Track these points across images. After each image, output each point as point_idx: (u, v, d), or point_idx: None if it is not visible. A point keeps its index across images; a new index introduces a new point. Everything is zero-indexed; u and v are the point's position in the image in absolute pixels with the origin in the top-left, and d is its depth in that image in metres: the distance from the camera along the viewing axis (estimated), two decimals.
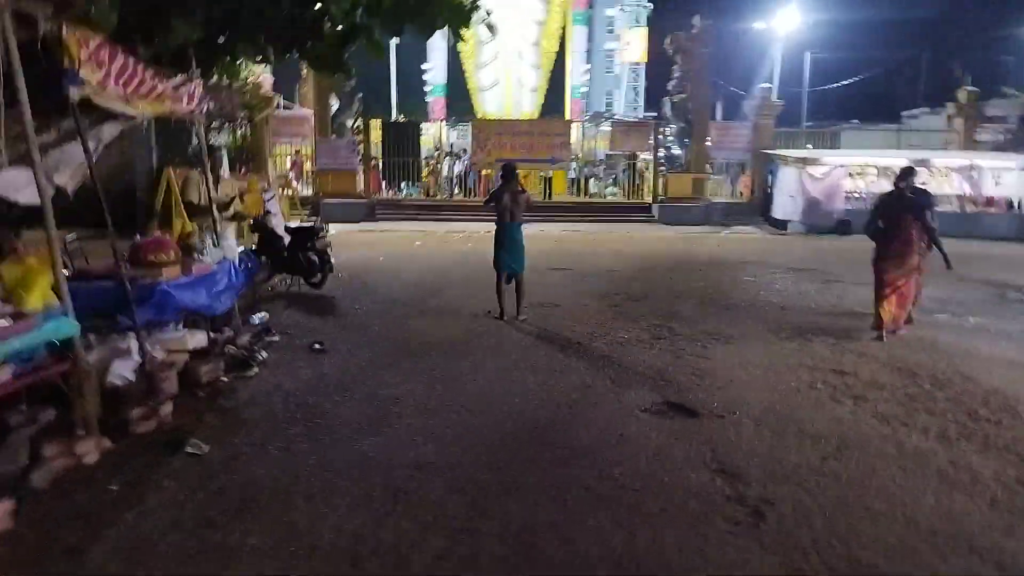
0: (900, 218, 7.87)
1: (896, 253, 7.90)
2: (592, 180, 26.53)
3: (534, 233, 20.28)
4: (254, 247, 10.00)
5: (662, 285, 11.61)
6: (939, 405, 5.90)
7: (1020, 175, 21.28)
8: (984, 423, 5.50)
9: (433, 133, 26.03)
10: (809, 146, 24.41)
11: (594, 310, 9.57)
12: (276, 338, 7.38)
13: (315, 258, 9.78)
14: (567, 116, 35.80)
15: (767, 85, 23.88)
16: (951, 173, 21.92)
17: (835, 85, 29.08)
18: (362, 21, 6.44)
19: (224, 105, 19.33)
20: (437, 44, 38.15)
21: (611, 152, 25.28)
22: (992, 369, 6.94)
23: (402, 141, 22.47)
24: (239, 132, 20.51)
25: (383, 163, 22.76)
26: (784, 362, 7.13)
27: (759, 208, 22.85)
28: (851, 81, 28.84)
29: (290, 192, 20.37)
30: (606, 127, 26.68)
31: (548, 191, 23.63)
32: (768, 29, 27.77)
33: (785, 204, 21.57)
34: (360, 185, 22.17)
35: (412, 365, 6.75)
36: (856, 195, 21.73)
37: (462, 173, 24.36)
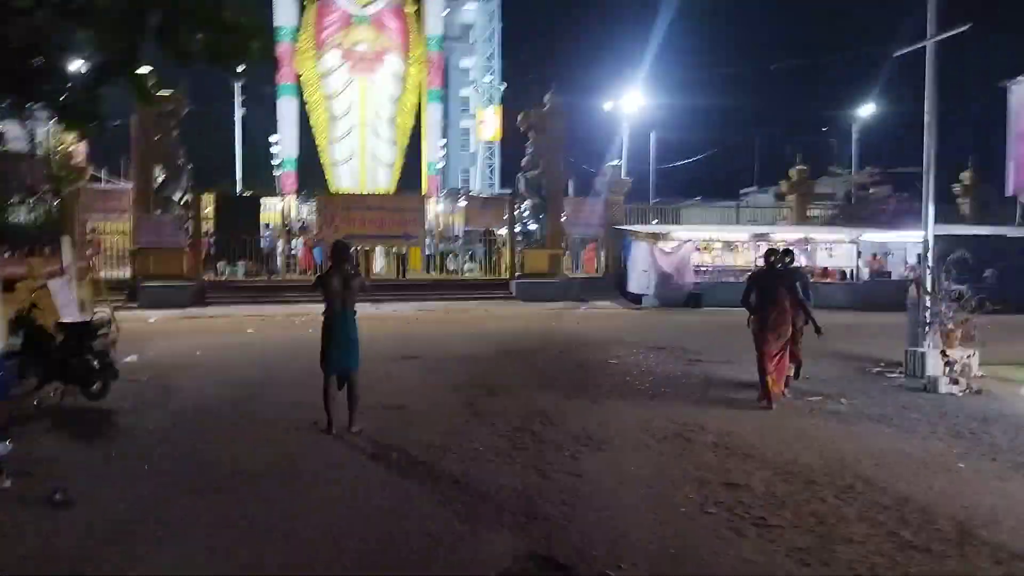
0: (775, 291, 8.21)
1: (773, 324, 8.15)
2: (449, 257, 25.44)
3: (386, 314, 18.82)
4: (15, 349, 7.81)
5: (521, 373, 10.35)
6: (852, 528, 4.85)
7: (850, 247, 22.25)
8: (913, 552, 4.47)
9: (281, 208, 24.07)
10: (656, 221, 24.59)
11: (446, 410, 8.09)
12: (7, 484, 5.32)
13: (94, 361, 7.69)
14: (423, 192, 34.85)
15: (616, 163, 24.01)
16: (790, 246, 22.61)
17: (678, 163, 30.05)
18: (114, 55, 4.80)
19: (25, 176, 16.55)
20: (287, 116, 36.43)
21: (468, 228, 24.35)
22: (890, 468, 6.08)
23: (239, 217, 20.37)
24: (41, 208, 17.76)
25: (216, 241, 20.47)
26: (667, 474, 5.95)
27: (614, 282, 22.52)
28: (692, 160, 29.94)
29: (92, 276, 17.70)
30: (462, 203, 25.83)
31: (402, 269, 22.21)
32: (615, 109, 28.30)
33: (639, 279, 21.33)
34: (187, 265, 19.70)
35: (191, 517, 4.94)
36: (704, 268, 21.91)
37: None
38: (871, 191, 23.93)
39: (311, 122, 37.15)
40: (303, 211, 25.20)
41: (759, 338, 8.23)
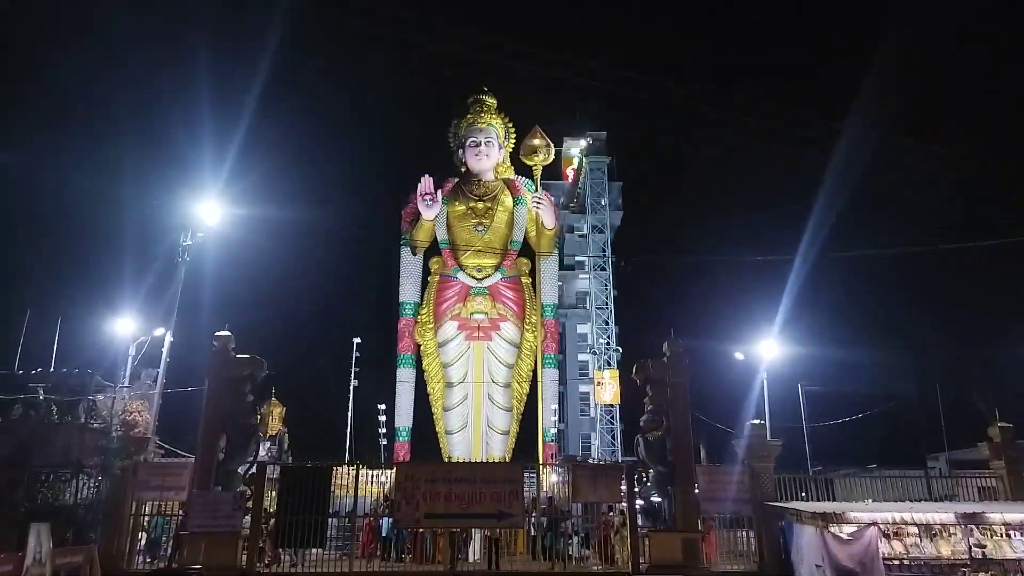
0: None
1: None
2: (560, 539, 20.15)
3: None
4: None
5: None
6: None
7: None
8: None
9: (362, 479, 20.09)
10: (804, 495, 18.50)
11: None
12: None
13: None
14: (540, 460, 30.37)
15: (759, 421, 18.86)
16: (1012, 532, 15.88)
17: (841, 420, 24.27)
18: None
19: (70, 449, 13.62)
20: (405, 385, 34.43)
21: (576, 503, 19.27)
22: None
23: (306, 493, 16.57)
24: (88, 484, 14.78)
25: (277, 522, 16.50)
26: None
27: None
28: (860, 416, 24.09)
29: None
30: (565, 474, 20.99)
31: (494, 558, 17.17)
32: (751, 357, 23.74)
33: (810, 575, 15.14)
34: (242, 555, 15.68)
35: None
36: (897, 562, 15.44)
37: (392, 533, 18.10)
38: None
39: (428, 390, 35.01)
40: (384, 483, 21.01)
41: None
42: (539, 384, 35.54)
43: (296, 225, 37.83)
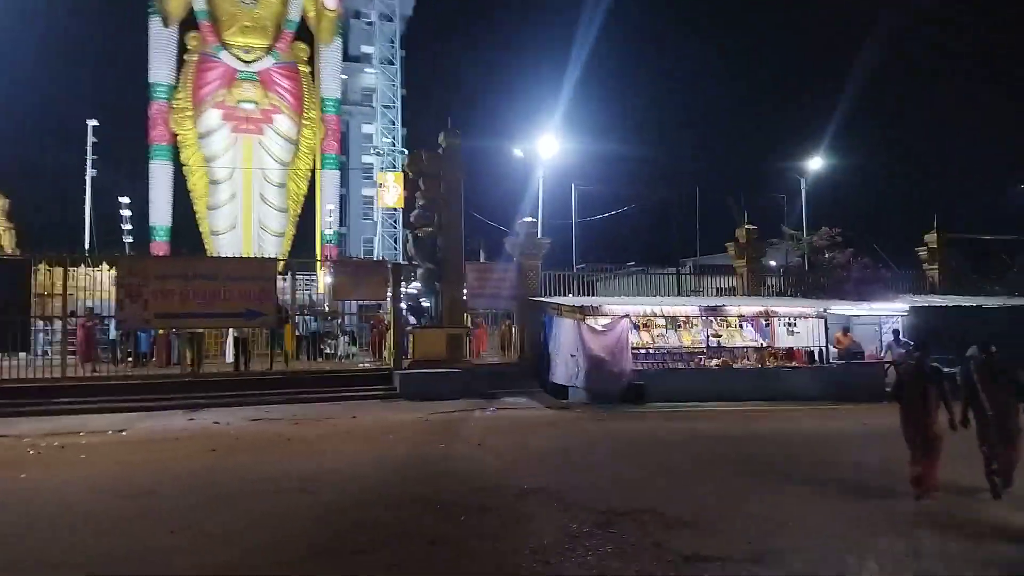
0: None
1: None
2: (337, 340, 18.97)
3: (194, 431, 11.02)
4: None
5: None
6: None
7: (816, 323, 16.98)
8: None
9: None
10: (569, 294, 18.75)
11: None
12: None
13: None
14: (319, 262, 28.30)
15: (530, 219, 18.21)
16: (744, 323, 17.20)
17: (602, 216, 24.63)
18: None
19: None
20: (161, 180, 29.84)
21: (346, 301, 17.89)
22: None
23: (2, 290, 13.33)
24: None
25: None
26: None
27: (532, 370, 16.44)
28: (620, 211, 24.56)
29: None
30: (328, 270, 19.43)
31: (244, 359, 15.47)
32: (530, 157, 22.82)
33: (565, 366, 15.37)
34: None
35: None
36: (645, 351, 16.15)
37: (117, 336, 15.54)
38: (831, 256, 18.93)
39: (188, 186, 30.67)
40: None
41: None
42: (317, 185, 32.82)
43: None
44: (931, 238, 20.91)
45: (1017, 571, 5.05)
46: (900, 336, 16.32)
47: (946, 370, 7.22)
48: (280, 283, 17.04)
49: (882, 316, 17.83)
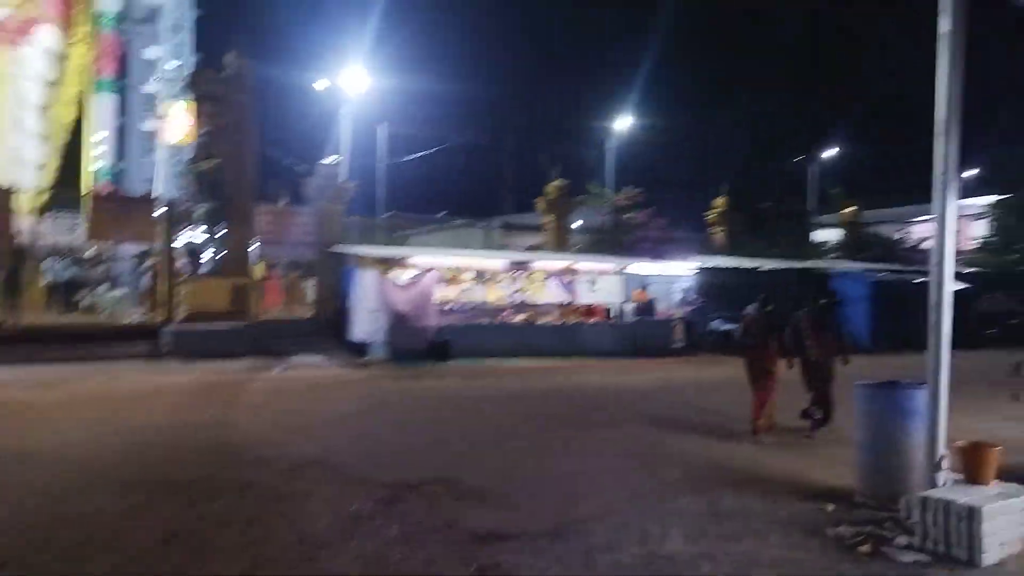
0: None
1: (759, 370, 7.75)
2: (85, 289, 16.09)
3: None
4: None
5: None
6: None
7: (616, 280, 17.33)
8: None
9: None
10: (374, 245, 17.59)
11: None
12: None
13: None
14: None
15: (334, 159, 16.59)
16: (550, 279, 17.09)
17: (411, 157, 23.28)
18: None
19: None
20: None
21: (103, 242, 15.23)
22: None
23: None
24: None
25: None
26: None
27: (331, 326, 15.11)
28: (428, 152, 23.35)
29: None
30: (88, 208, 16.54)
31: None
32: (333, 92, 20.79)
33: (367, 321, 14.21)
34: None
35: None
36: (451, 307, 15.48)
37: None
38: (630, 215, 19.40)
39: None
40: None
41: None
42: (90, 113, 28.10)
43: None
44: (719, 202, 22.31)
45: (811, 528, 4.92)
46: (691, 293, 17.16)
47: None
48: (34, 222, 14.11)
49: (676, 275, 18.65)
